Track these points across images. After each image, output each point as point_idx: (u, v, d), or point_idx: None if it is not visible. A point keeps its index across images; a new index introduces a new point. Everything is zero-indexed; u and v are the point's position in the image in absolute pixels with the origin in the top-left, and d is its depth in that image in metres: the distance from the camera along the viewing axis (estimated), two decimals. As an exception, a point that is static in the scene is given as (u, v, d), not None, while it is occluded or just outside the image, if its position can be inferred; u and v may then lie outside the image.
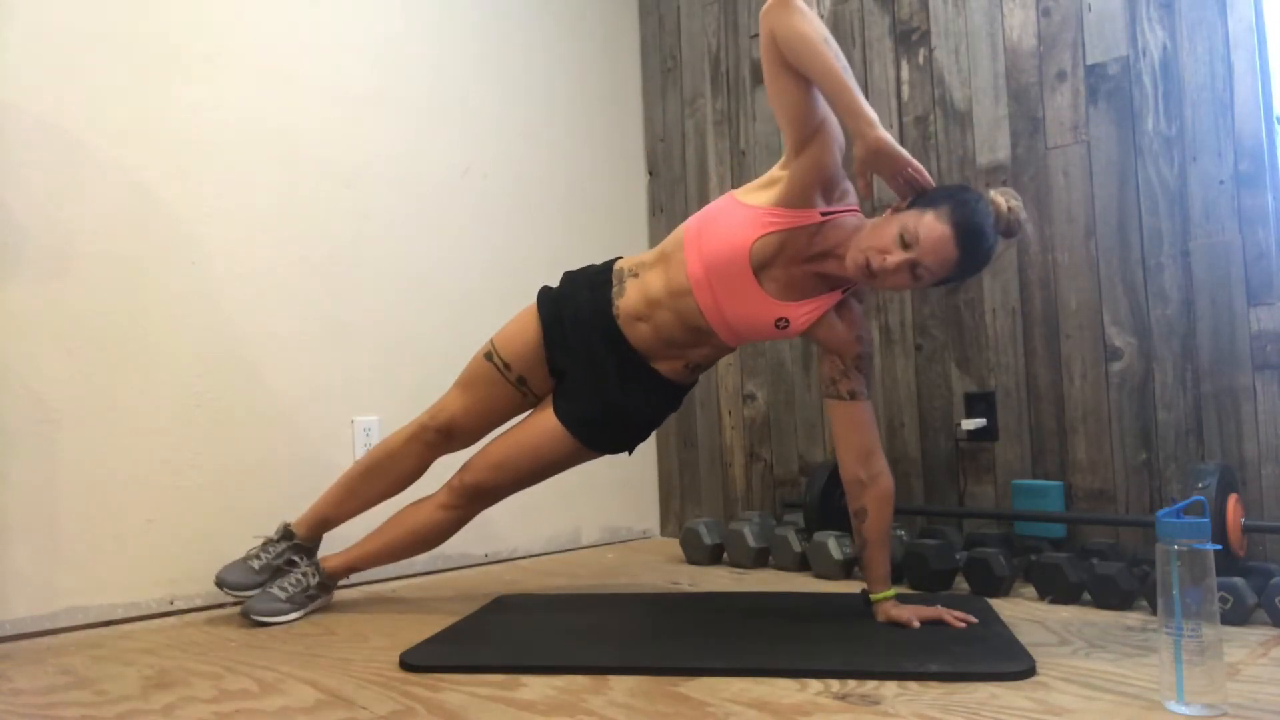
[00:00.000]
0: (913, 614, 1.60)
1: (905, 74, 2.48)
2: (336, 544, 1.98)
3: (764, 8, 1.56)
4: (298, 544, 1.93)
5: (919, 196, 1.56)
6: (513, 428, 1.90)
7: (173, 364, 2.02)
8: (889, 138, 1.51)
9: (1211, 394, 1.98)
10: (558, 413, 1.83)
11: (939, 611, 1.61)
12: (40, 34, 1.88)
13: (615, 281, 1.81)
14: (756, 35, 2.81)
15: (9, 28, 1.85)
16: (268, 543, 1.92)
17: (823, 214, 1.62)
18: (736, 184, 2.83)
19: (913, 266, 1.51)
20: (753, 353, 2.81)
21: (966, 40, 2.36)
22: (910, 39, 2.47)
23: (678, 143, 3.04)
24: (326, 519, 1.96)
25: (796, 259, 1.65)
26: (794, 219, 1.62)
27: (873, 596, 1.66)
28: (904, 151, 1.53)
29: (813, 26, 1.52)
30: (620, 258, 1.88)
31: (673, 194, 3.05)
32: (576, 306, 1.82)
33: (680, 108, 3.04)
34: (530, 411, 1.91)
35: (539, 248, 2.77)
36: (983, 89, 2.33)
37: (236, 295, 2.14)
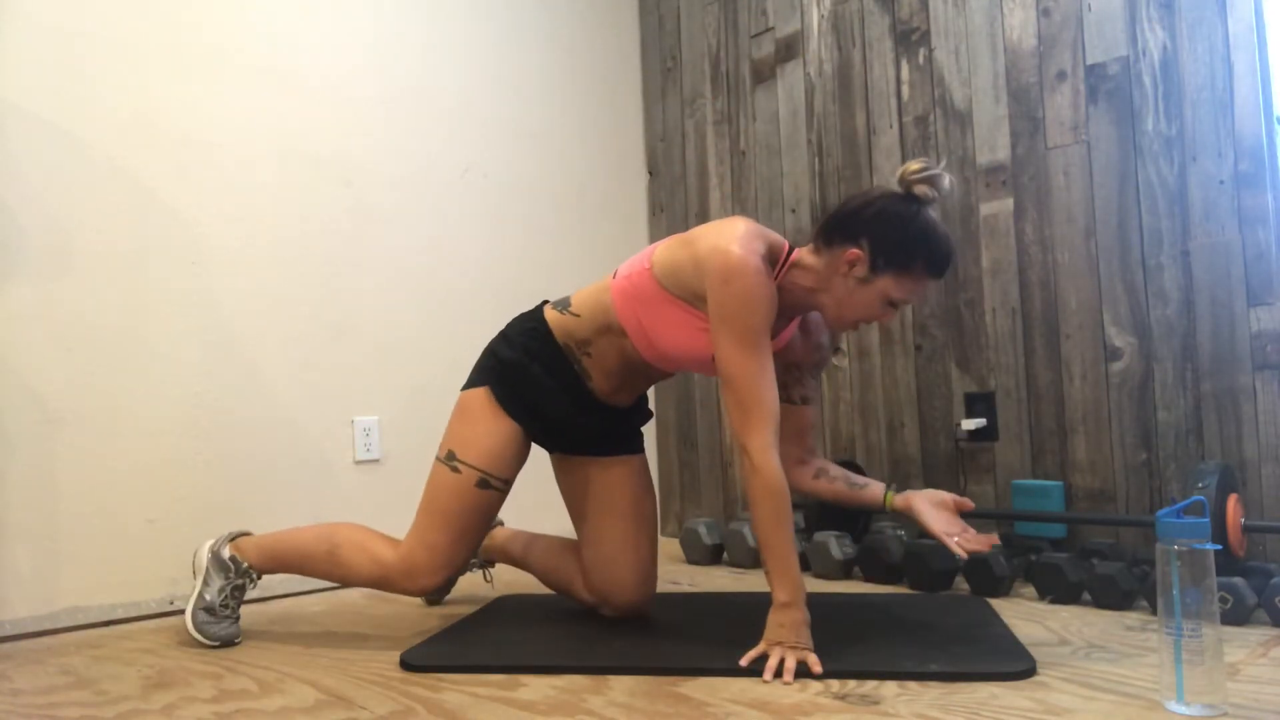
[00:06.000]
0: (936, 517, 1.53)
1: (905, 74, 2.48)
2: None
3: (744, 470, 1.43)
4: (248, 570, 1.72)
5: (876, 256, 1.45)
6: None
7: (173, 364, 2.03)
8: (800, 618, 1.40)
9: (1211, 394, 1.98)
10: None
11: (963, 528, 1.52)
12: (40, 33, 1.88)
13: (572, 361, 1.67)
14: (756, 35, 2.82)
15: (9, 27, 1.85)
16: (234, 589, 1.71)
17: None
18: (736, 184, 2.84)
19: (899, 310, 1.56)
20: (753, 353, 2.81)
21: (966, 40, 2.36)
22: (910, 39, 2.47)
23: (678, 143, 3.04)
24: (283, 567, 1.74)
25: None
26: None
27: (888, 496, 1.62)
28: (806, 637, 1.40)
29: (773, 505, 1.41)
30: (543, 318, 1.68)
31: (673, 194, 3.05)
32: (550, 397, 1.67)
33: (680, 108, 3.04)
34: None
35: (539, 247, 2.77)
36: (983, 89, 2.33)
37: (236, 295, 2.14)
